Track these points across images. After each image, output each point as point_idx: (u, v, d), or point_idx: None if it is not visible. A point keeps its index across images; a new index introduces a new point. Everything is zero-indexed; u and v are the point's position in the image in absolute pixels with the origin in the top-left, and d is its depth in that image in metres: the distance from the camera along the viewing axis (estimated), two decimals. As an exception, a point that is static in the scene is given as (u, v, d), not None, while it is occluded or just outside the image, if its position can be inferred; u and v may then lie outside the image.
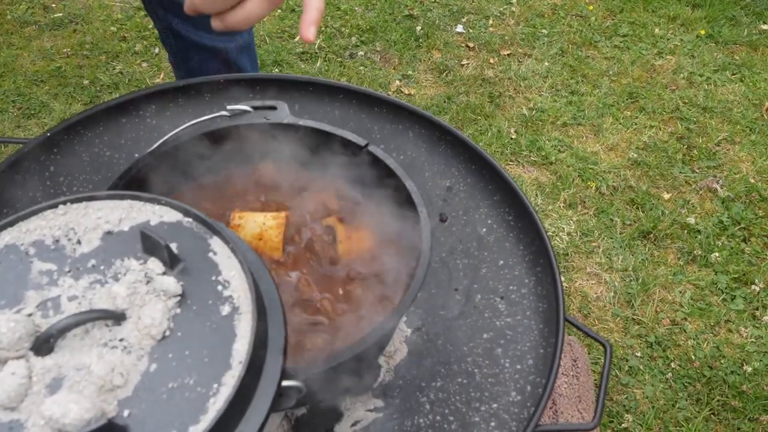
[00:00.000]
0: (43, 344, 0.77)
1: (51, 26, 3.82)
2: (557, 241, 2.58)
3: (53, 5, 4.01)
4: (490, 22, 3.93)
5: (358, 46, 3.72)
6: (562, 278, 2.45)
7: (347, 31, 3.83)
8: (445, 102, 3.28)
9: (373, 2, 4.07)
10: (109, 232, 0.90)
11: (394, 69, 3.57)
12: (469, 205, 1.26)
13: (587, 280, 2.47)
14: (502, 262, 1.18)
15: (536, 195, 2.77)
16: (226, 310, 0.82)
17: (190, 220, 0.91)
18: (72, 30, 3.81)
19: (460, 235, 1.24)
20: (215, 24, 0.90)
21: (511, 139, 3.06)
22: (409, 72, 3.52)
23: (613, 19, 3.96)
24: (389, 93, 3.37)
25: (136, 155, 1.24)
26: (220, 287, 0.84)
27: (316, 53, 3.64)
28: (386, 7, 4.02)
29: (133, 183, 1.08)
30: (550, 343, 1.02)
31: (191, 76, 1.56)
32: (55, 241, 0.90)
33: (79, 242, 0.89)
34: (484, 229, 1.23)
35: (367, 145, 1.13)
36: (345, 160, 1.18)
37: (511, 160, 2.95)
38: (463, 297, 1.16)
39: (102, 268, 0.87)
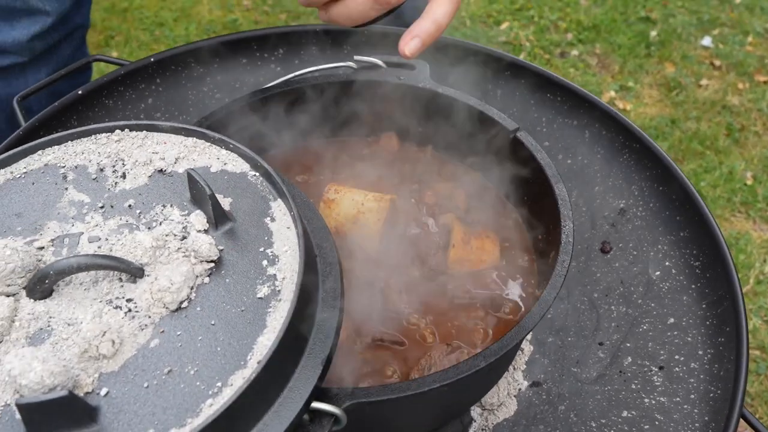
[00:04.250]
0: (38, 285, 0.71)
1: (239, -24, 4.00)
2: (780, 326, 2.25)
3: (248, -45, 4.21)
4: (749, 39, 3.59)
5: (573, 44, 3.55)
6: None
7: (564, 25, 3.66)
8: (667, 125, 3.02)
9: (604, -4, 3.86)
10: (160, 171, 0.84)
11: (611, 77, 3.35)
12: (645, 238, 1.08)
13: (812, 384, 2.12)
14: (672, 320, 1.00)
15: (764, 260, 2.45)
16: (264, 291, 0.72)
17: (257, 174, 0.83)
18: (261, -17, 3.96)
19: (624, 275, 1.06)
20: (320, 14, 0.94)
21: (746, 185, 2.75)
22: (630, 83, 3.28)
23: None
24: (599, 104, 3.17)
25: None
26: (265, 262, 0.75)
27: (521, 46, 3.52)
28: (619, 4, 3.80)
29: (221, 127, 1.01)
30: (712, 446, 0.82)
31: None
32: (99, 170, 0.85)
33: (124, 176, 0.84)
34: (658, 272, 1.04)
35: (516, 130, 1.00)
36: (487, 146, 1.05)
37: (739, 211, 2.64)
38: (607, 356, 0.99)
39: (138, 211, 0.80)
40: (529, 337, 1.04)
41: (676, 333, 0.99)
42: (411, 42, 0.90)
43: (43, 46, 1.34)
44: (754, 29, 3.64)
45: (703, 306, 0.99)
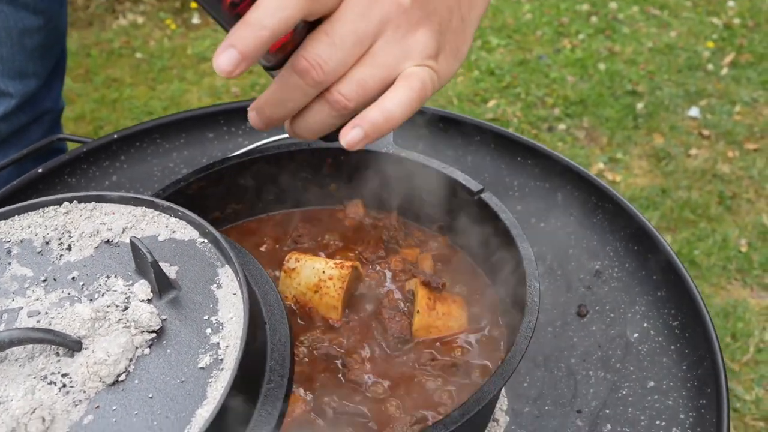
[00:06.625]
0: (-31, 362, 0.68)
1: (228, 64, 4.06)
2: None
3: (237, 44, 4.28)
4: (737, 108, 3.62)
5: (560, 119, 3.58)
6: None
7: (551, 101, 3.70)
8: (658, 195, 3.01)
9: (590, 72, 3.92)
10: (107, 241, 0.82)
11: (600, 150, 3.36)
12: (621, 299, 1.05)
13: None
14: (652, 384, 0.96)
15: (764, 328, 2.40)
16: (205, 360, 0.69)
17: (206, 241, 0.80)
18: (249, 71, 4.02)
19: (601, 338, 1.03)
20: (287, 130, 0.83)
21: (740, 252, 2.72)
22: (619, 155, 3.29)
23: None
24: (588, 176, 3.17)
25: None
26: (209, 330, 0.72)
27: (509, 121, 3.54)
28: (605, 79, 3.85)
29: (181, 199, 0.99)
30: None
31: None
32: (44, 243, 0.82)
33: (69, 248, 0.82)
34: (636, 335, 1.01)
35: (481, 191, 0.98)
36: (453, 209, 1.03)
37: (735, 278, 2.61)
38: (586, 424, 0.94)
39: (81, 283, 0.78)
40: (504, 407, 1.00)
41: (656, 396, 0.94)
42: (350, 133, 0.74)
43: (9, 128, 1.34)
44: (741, 99, 3.68)
45: (684, 367, 0.95)
